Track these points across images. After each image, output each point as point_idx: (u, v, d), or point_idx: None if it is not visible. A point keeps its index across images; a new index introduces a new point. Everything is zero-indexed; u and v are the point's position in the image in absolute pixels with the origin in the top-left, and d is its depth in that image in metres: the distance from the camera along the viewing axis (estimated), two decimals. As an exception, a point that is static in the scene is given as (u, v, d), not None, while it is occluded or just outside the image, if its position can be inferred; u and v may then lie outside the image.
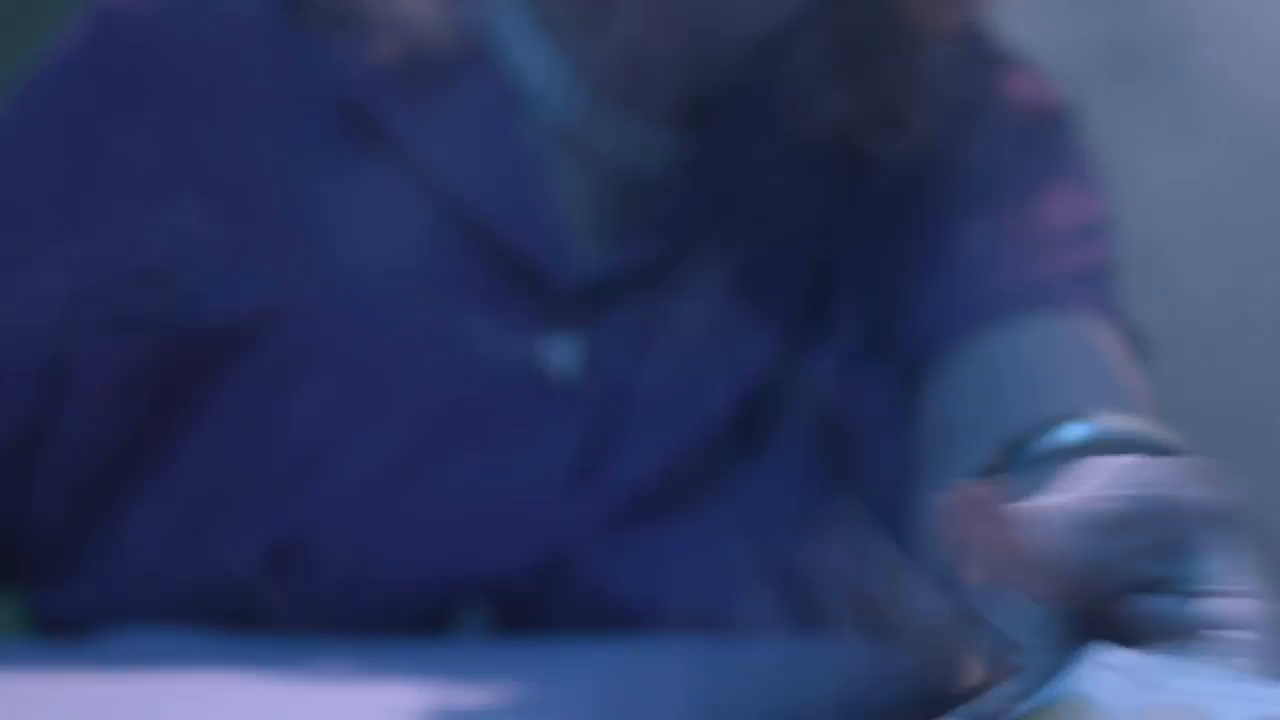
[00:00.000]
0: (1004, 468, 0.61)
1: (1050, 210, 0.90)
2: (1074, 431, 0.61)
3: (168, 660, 0.79)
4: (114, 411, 0.88)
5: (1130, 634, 0.44)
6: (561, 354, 0.86)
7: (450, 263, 0.87)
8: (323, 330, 0.86)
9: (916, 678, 0.64)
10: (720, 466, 0.87)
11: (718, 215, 0.88)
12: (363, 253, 0.87)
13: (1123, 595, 0.44)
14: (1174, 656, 0.43)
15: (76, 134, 0.89)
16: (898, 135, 0.87)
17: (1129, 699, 0.41)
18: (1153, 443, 0.61)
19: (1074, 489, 0.45)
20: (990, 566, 0.43)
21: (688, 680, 0.68)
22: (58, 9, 0.97)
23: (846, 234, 0.88)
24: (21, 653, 0.83)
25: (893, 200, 0.89)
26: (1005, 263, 0.87)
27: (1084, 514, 0.44)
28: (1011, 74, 0.93)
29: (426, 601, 0.85)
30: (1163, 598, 0.45)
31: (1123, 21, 1.44)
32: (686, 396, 0.86)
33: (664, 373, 0.86)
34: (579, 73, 0.88)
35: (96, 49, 0.91)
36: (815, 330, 0.88)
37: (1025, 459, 0.61)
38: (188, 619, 0.86)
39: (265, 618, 0.86)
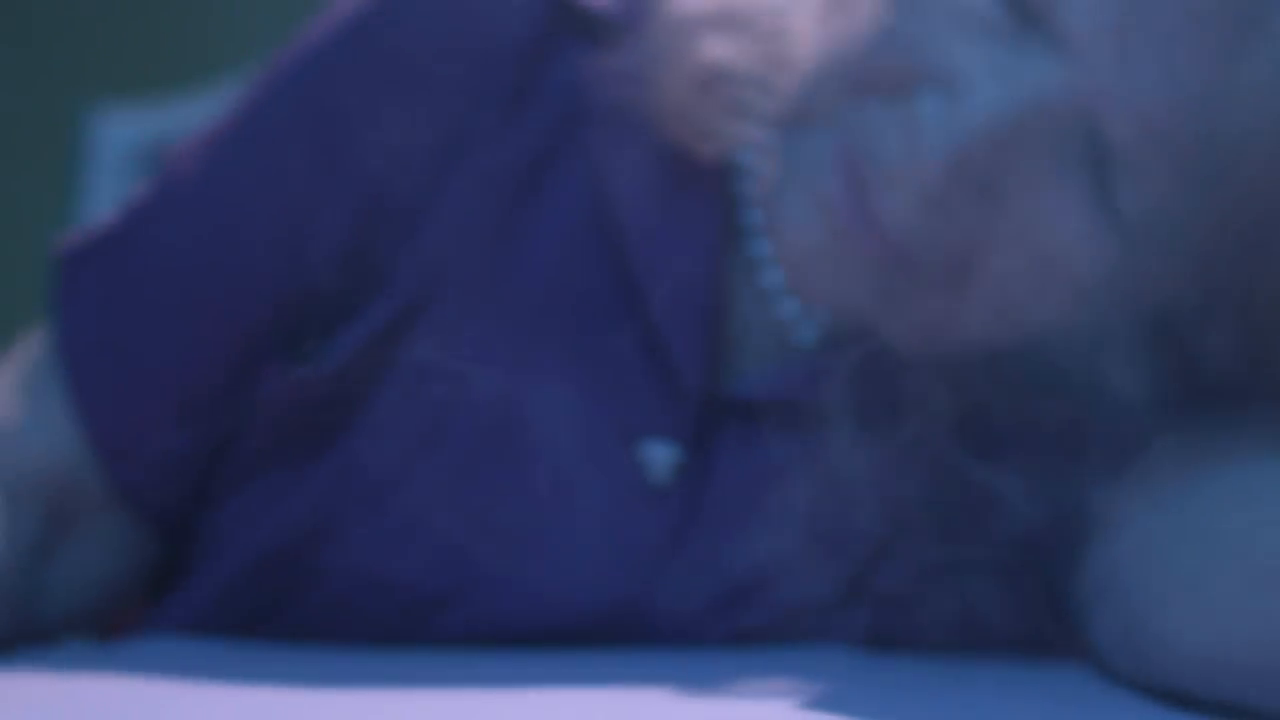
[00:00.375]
0: None
1: None
2: None
3: (186, 667, 0.82)
4: (268, 434, 0.92)
5: None
6: (663, 458, 0.89)
7: (597, 331, 0.90)
8: (444, 345, 0.90)
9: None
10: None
11: (859, 405, 0.89)
12: (521, 286, 0.90)
13: None
14: None
15: (329, 115, 0.91)
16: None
17: None
18: None
19: None
20: None
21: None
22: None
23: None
24: (49, 659, 0.86)
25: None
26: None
27: None
28: None
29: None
30: None
31: None
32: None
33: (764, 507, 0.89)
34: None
35: (372, 30, 0.92)
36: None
37: None
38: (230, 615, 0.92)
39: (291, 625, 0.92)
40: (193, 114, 1.67)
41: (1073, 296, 0.80)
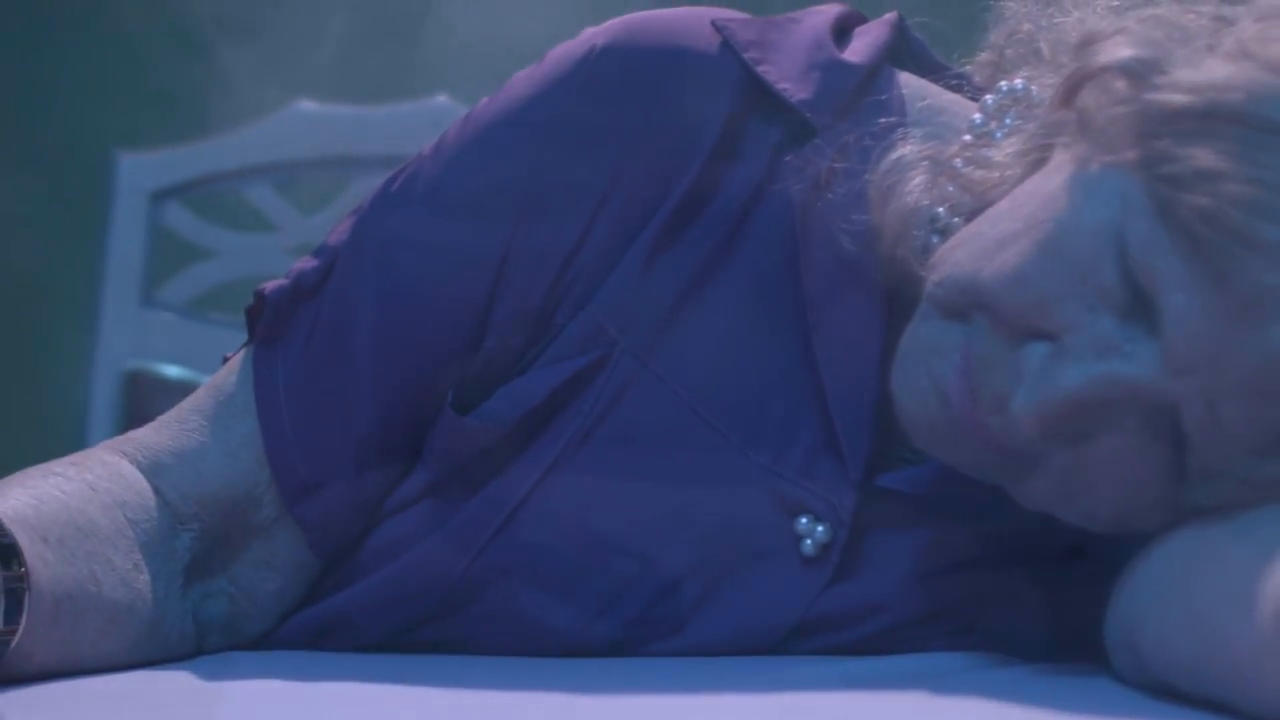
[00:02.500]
0: None
1: None
2: None
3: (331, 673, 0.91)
4: (431, 472, 0.99)
5: None
6: (818, 535, 0.97)
7: (767, 405, 0.98)
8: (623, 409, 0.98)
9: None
10: None
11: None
12: (698, 352, 0.98)
13: None
14: None
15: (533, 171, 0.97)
16: None
17: None
18: None
19: None
20: None
21: None
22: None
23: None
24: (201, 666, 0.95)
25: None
26: None
27: None
28: None
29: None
30: None
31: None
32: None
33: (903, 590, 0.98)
34: None
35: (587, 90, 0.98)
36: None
37: None
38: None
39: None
40: (208, 158, 1.74)
41: (1143, 504, 0.89)
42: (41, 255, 2.37)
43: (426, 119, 1.64)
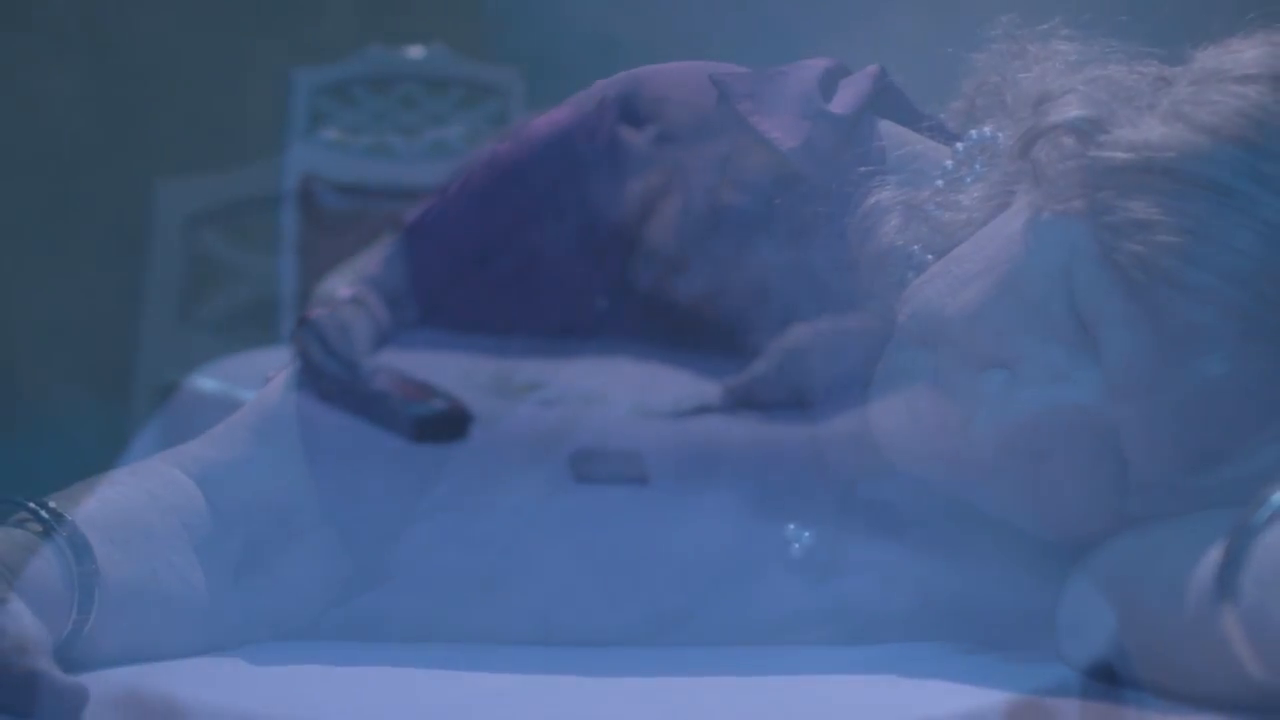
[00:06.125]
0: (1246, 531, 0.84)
1: None
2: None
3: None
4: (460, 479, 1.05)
5: None
6: (805, 539, 1.03)
7: (764, 423, 1.05)
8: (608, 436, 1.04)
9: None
10: None
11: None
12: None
13: None
14: None
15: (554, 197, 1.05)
16: None
17: None
18: None
19: None
20: None
21: None
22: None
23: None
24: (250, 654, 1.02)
25: None
26: None
27: None
28: None
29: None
30: None
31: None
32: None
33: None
34: None
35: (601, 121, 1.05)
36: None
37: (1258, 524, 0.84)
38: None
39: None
40: (240, 185, 1.82)
41: (1089, 514, 0.97)
42: (90, 273, 2.41)
43: (442, 149, 1.72)
